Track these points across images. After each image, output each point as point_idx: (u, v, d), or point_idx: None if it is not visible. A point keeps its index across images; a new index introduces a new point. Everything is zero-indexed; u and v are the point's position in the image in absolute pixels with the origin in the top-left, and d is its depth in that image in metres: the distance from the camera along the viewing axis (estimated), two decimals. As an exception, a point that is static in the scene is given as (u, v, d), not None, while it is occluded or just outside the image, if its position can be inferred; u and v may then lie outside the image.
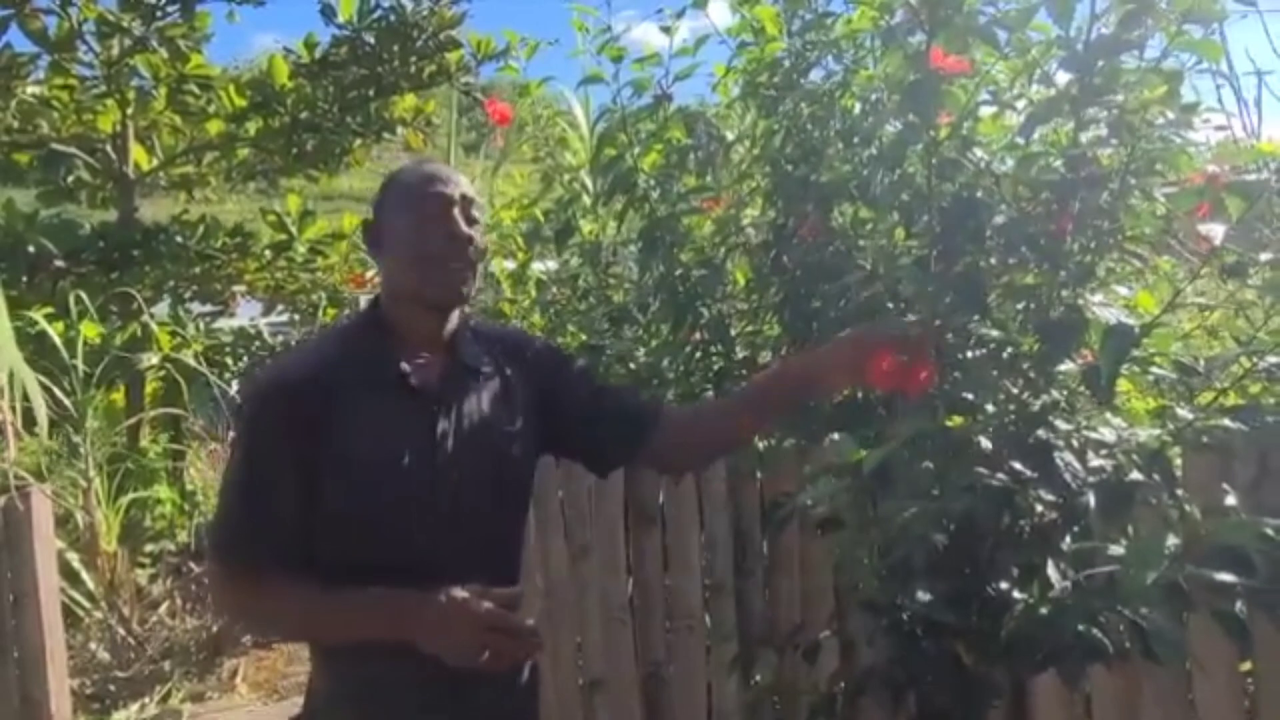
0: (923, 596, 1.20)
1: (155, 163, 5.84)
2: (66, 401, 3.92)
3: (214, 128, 5.71)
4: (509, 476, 1.28)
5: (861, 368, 1.28)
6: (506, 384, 1.31)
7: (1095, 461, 1.27)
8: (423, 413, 1.22)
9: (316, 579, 1.18)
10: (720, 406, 1.46)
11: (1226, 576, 1.02)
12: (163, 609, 4.10)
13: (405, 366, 1.23)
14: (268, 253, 5.55)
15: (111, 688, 3.66)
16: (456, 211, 1.24)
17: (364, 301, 1.36)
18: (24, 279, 5.03)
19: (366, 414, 1.20)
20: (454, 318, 1.29)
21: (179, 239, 5.33)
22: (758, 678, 2.04)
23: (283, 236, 5.59)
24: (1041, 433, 1.27)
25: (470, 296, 1.28)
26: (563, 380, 1.37)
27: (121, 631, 3.82)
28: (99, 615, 3.86)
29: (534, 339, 1.42)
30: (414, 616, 1.12)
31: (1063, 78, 1.26)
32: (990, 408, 1.33)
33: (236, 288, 5.81)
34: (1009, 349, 1.37)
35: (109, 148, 5.52)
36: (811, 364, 1.38)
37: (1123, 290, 1.43)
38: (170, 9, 4.96)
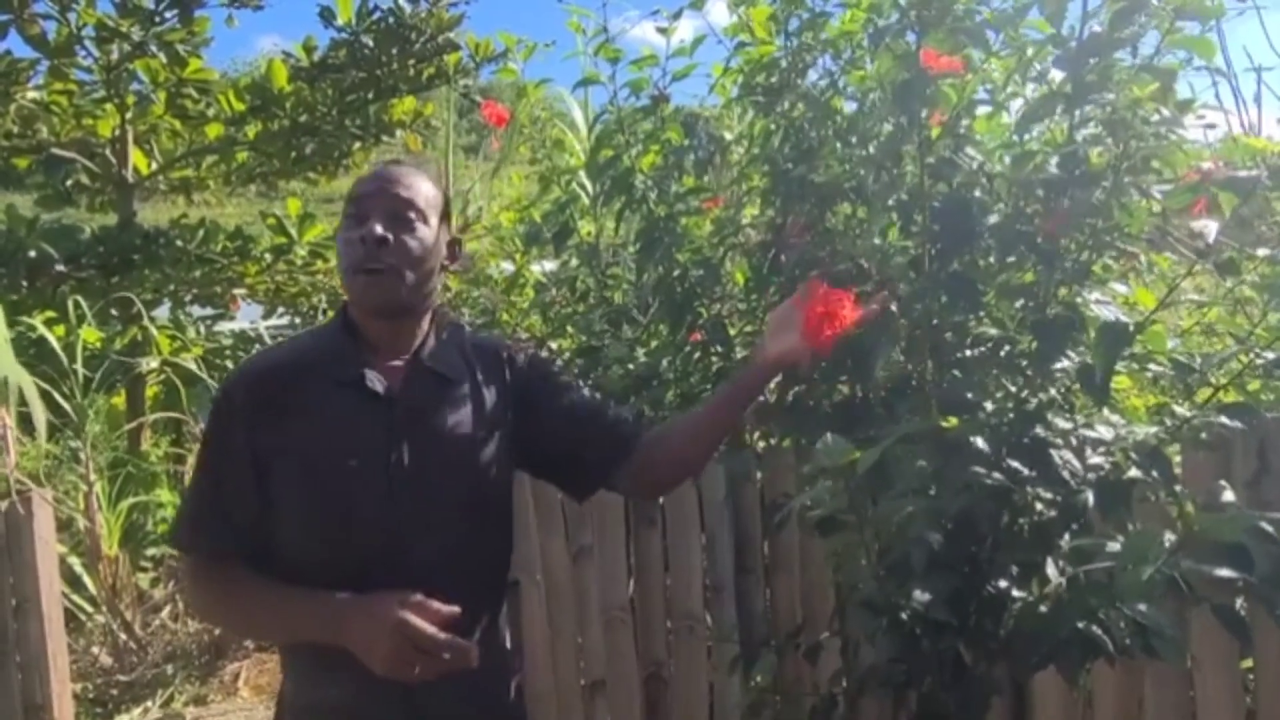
0: (921, 596, 1.20)
1: (154, 167, 5.85)
2: (67, 406, 3.92)
3: (213, 131, 5.72)
4: (476, 486, 1.25)
5: (787, 330, 1.29)
6: (479, 394, 1.28)
7: (1093, 459, 1.27)
8: (380, 416, 1.20)
9: (269, 574, 1.18)
10: (687, 418, 1.41)
11: (1226, 572, 1.02)
12: (165, 613, 4.10)
13: (370, 370, 1.21)
14: (268, 256, 5.56)
15: (114, 691, 3.66)
16: (378, 214, 1.20)
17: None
18: (24, 284, 5.04)
19: (324, 411, 1.19)
20: (422, 323, 1.27)
21: (179, 243, 5.34)
22: (759, 678, 2.04)
23: (283, 239, 5.59)
24: (1039, 430, 1.27)
25: (405, 300, 1.22)
26: (545, 395, 1.34)
27: (123, 635, 3.82)
28: (101, 619, 3.86)
29: (521, 351, 1.37)
30: (348, 624, 1.11)
31: (1057, 75, 1.26)
32: (988, 405, 1.34)
33: (237, 291, 5.82)
34: (1006, 347, 1.37)
35: (108, 152, 5.53)
36: (754, 349, 1.37)
37: (1121, 288, 1.43)
38: (169, 14, 4.97)
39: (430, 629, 1.08)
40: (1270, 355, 1.26)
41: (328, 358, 1.23)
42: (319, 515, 1.18)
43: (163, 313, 5.72)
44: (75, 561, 3.84)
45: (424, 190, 1.25)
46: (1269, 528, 0.98)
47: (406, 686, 1.15)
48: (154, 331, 5.09)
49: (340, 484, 1.17)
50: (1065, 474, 1.24)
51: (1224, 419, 1.21)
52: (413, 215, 1.22)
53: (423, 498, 1.19)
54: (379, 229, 1.19)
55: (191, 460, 5.15)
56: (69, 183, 5.74)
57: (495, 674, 1.30)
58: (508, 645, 1.34)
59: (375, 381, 1.21)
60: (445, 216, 1.29)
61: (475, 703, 1.25)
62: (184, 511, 1.25)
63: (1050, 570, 1.24)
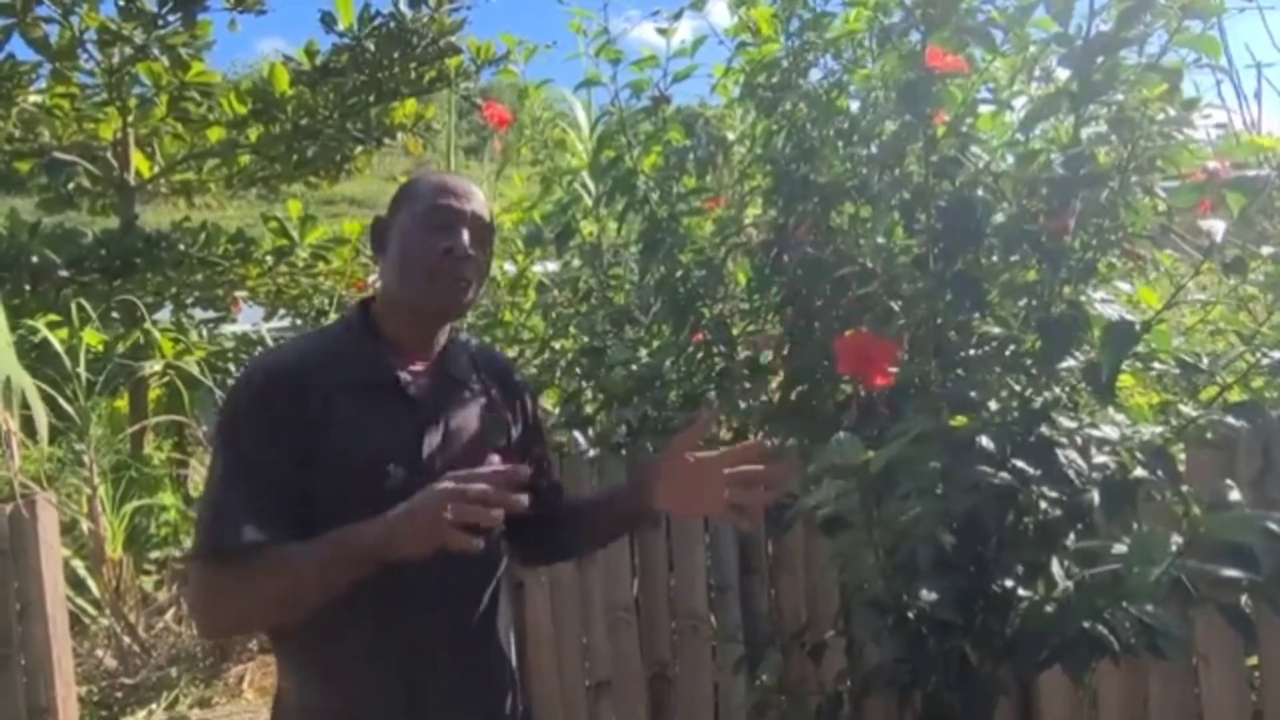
0: (928, 596, 1.20)
1: (156, 170, 5.86)
2: (70, 409, 3.92)
3: (215, 135, 5.72)
4: None
5: (682, 487, 1.23)
6: (493, 403, 1.31)
7: (1099, 458, 1.27)
8: (411, 419, 1.20)
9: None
10: (576, 515, 1.42)
11: (1231, 572, 1.02)
12: (168, 615, 4.11)
13: (401, 373, 1.22)
14: (269, 258, 5.56)
15: (118, 694, 3.66)
16: (465, 228, 1.23)
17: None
18: (26, 288, 5.04)
19: (352, 413, 1.17)
20: (446, 329, 1.30)
21: (180, 246, 5.34)
22: (764, 677, 2.04)
23: (284, 242, 5.60)
24: (1045, 430, 1.27)
25: (461, 312, 1.28)
26: (530, 424, 1.38)
27: (127, 639, 3.82)
28: (105, 622, 3.86)
29: (517, 371, 1.44)
30: (392, 522, 1.06)
31: (1062, 74, 1.26)
32: (993, 405, 1.33)
33: (238, 293, 5.82)
34: (1011, 346, 1.37)
35: (110, 155, 5.54)
36: (638, 482, 1.32)
37: (1125, 286, 1.43)
38: (171, 18, 4.98)
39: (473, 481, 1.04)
40: (1276, 354, 1.26)
41: (348, 360, 1.22)
42: (355, 517, 1.10)
43: (164, 316, 5.72)
44: (79, 565, 3.84)
45: (490, 215, 1.30)
46: (1275, 527, 0.98)
47: (409, 692, 1.16)
48: (156, 334, 5.09)
49: (373, 485, 1.14)
50: (1070, 473, 1.24)
51: (1229, 418, 1.21)
52: (486, 237, 1.27)
53: None
54: (468, 246, 1.22)
55: (195, 464, 5.16)
56: (71, 186, 5.74)
57: (501, 679, 1.30)
58: (512, 651, 1.34)
59: (409, 385, 1.22)
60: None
61: (479, 706, 1.25)
62: (210, 521, 1.14)
63: (1055, 570, 1.24)
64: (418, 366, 1.25)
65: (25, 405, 3.33)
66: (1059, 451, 1.26)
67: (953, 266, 1.35)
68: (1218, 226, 1.08)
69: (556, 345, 2.59)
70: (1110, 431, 1.27)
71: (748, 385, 2.04)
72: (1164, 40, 1.14)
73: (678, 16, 1.98)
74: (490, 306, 2.74)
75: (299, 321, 6.05)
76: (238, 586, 1.12)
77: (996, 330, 1.39)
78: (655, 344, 2.28)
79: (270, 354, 1.30)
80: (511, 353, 2.66)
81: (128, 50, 5.01)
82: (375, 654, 1.18)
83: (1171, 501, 1.28)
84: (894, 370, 1.30)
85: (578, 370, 2.39)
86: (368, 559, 1.08)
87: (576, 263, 2.54)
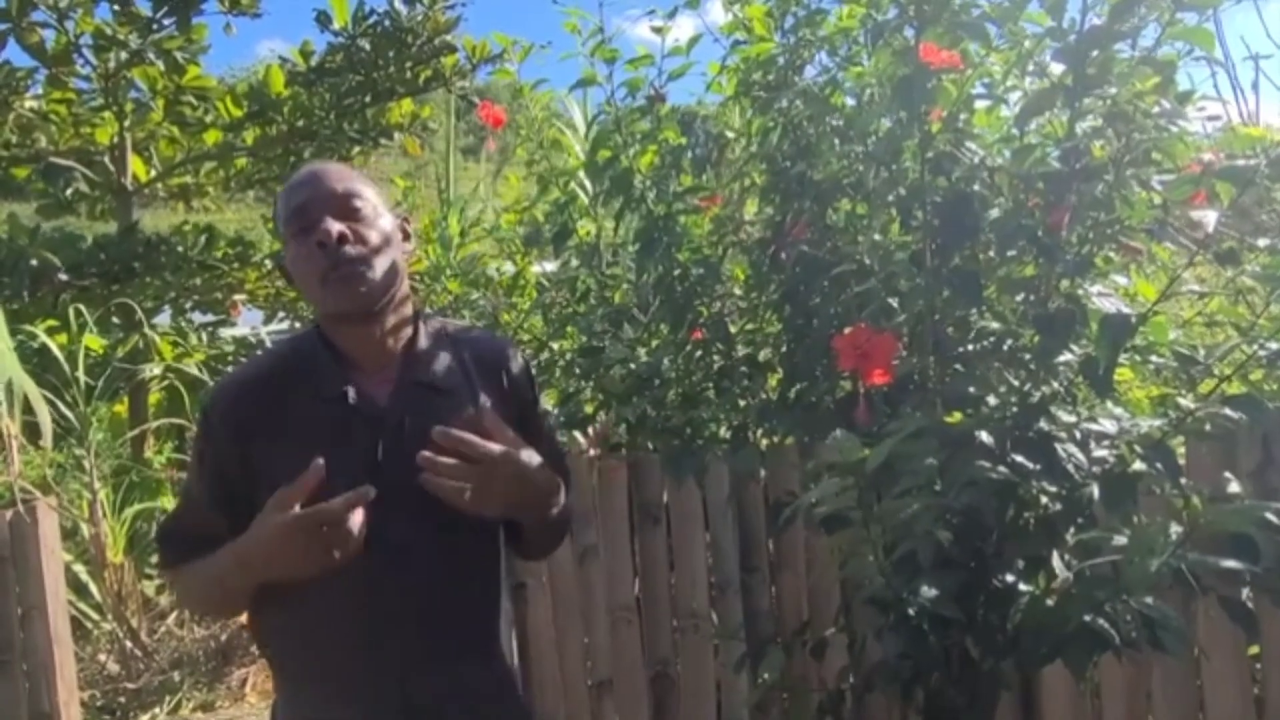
0: (928, 592, 1.20)
1: (154, 174, 5.85)
2: (70, 414, 3.92)
3: (211, 138, 5.72)
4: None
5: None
6: (475, 401, 1.21)
7: (1098, 452, 1.27)
8: (363, 432, 1.15)
9: (264, 594, 1.18)
10: None
11: (1232, 563, 1.02)
12: (171, 619, 4.11)
13: (350, 388, 1.17)
14: (268, 261, 5.56)
15: (121, 699, 3.66)
16: (325, 214, 1.15)
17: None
18: (26, 293, 5.04)
19: (301, 429, 1.14)
20: (401, 330, 1.22)
21: (180, 249, 5.33)
22: (766, 675, 2.04)
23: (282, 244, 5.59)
24: (1043, 424, 1.27)
25: (379, 294, 1.17)
26: (527, 413, 1.29)
27: (130, 643, 3.83)
28: (107, 627, 3.86)
29: (515, 354, 1.31)
30: (260, 547, 1.09)
31: (1057, 69, 1.26)
32: (991, 400, 1.34)
33: (237, 296, 5.81)
34: (1009, 341, 1.37)
35: (107, 160, 5.53)
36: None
37: (1122, 280, 1.43)
38: (166, 21, 4.98)
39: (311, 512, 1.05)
40: (1273, 345, 1.26)
41: (302, 375, 1.19)
42: None
43: (164, 319, 5.72)
44: (81, 569, 3.84)
45: (356, 179, 1.22)
46: (1274, 518, 0.98)
47: (407, 705, 1.15)
48: (156, 338, 5.09)
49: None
50: (1070, 468, 1.24)
51: (1228, 411, 1.21)
52: (359, 204, 1.18)
53: (412, 514, 1.15)
54: (335, 226, 1.14)
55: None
56: (69, 191, 5.74)
57: (499, 687, 1.27)
58: (511, 658, 1.31)
59: (358, 399, 1.17)
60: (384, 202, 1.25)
61: (478, 709, 1.23)
62: (163, 524, 1.29)
63: (1056, 564, 1.24)
64: (381, 376, 1.20)
65: (26, 409, 3.33)
66: (1058, 446, 1.26)
67: (950, 262, 1.35)
68: (1209, 217, 1.08)
69: (555, 345, 2.59)
70: (1109, 425, 1.27)
71: (746, 383, 2.04)
72: (1157, 33, 1.14)
73: (672, 15, 1.98)
74: (488, 308, 2.74)
75: (298, 324, 6.04)
76: (183, 587, 1.32)
77: (994, 325, 1.39)
78: (654, 343, 2.28)
79: (233, 372, 1.29)
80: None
81: (123, 55, 5.00)
82: (366, 661, 1.17)
83: (1171, 495, 1.28)
84: (893, 365, 1.30)
85: (576, 370, 2.39)
86: (247, 576, 1.14)
87: (574, 262, 2.53)
